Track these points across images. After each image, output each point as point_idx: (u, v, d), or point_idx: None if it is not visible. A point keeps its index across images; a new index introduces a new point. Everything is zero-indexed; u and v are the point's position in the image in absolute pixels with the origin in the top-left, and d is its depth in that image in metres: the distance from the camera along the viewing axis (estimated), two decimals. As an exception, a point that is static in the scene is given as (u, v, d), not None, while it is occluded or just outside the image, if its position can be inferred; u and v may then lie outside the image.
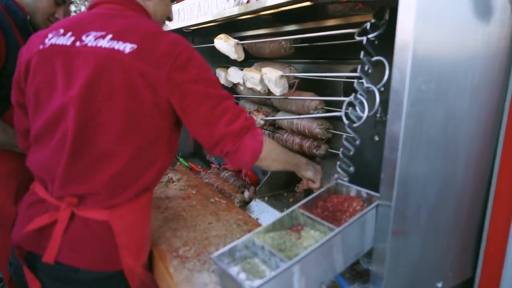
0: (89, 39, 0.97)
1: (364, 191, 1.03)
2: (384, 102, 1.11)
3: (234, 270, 0.91)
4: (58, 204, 1.01)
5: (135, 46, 0.94)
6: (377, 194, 0.97)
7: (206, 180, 1.76)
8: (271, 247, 0.93)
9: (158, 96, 0.96)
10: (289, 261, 0.82)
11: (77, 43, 0.98)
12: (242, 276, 0.89)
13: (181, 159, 2.21)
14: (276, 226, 0.99)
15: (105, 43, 0.95)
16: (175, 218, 1.32)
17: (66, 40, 1.00)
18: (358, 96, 1.08)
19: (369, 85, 1.07)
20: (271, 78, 1.67)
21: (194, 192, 1.59)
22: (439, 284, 1.11)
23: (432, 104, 0.90)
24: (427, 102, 0.88)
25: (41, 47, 1.03)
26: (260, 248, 0.92)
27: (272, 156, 1.11)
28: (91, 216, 1.00)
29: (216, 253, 0.89)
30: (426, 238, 1.01)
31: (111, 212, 1.00)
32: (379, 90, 1.06)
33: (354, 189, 1.06)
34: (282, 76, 1.65)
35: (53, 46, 1.01)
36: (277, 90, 1.67)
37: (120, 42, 0.95)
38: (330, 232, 0.93)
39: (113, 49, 0.94)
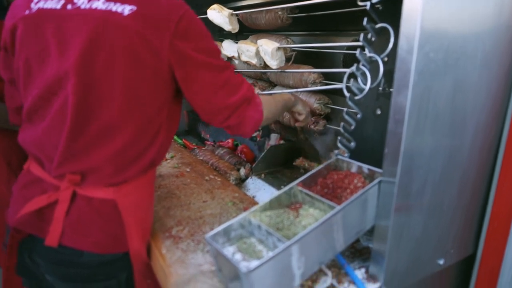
0: (82, 1, 0.88)
1: (365, 167, 0.98)
2: (388, 73, 1.05)
3: (229, 250, 0.87)
4: (57, 184, 0.94)
5: (134, 7, 0.86)
6: (380, 170, 0.93)
7: (201, 158, 1.70)
8: (268, 226, 0.88)
9: (161, 62, 0.89)
10: (287, 241, 0.78)
11: (68, 6, 0.88)
12: (237, 256, 0.85)
13: (175, 137, 2.14)
14: (273, 204, 0.94)
15: (100, 4, 0.86)
16: (169, 196, 1.27)
17: (55, 3, 0.90)
18: (360, 66, 1.02)
19: (372, 54, 1.00)
20: (267, 50, 1.59)
21: (188, 170, 1.54)
22: (441, 261, 1.08)
23: (440, 74, 0.84)
24: (435, 72, 0.82)
25: (26, 12, 0.91)
26: (256, 228, 0.88)
27: (269, 117, 1.11)
28: (95, 195, 0.93)
29: (211, 233, 0.84)
30: (429, 215, 0.97)
31: (117, 190, 0.94)
32: (382, 60, 0.99)
33: (355, 165, 1.01)
34: (278, 48, 1.57)
35: (40, 10, 0.90)
36: (273, 63, 1.59)
37: (118, 4, 0.86)
38: (330, 210, 0.89)
39: (110, 11, 0.85)
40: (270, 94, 1.51)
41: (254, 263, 0.73)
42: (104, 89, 0.88)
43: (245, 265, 0.79)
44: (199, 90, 0.96)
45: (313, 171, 1.01)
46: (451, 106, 0.89)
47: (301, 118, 1.38)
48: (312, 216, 0.91)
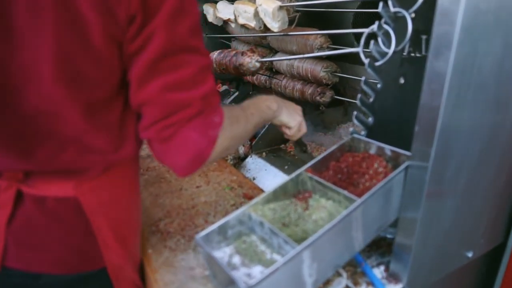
0: None
1: (388, 148, 0.82)
2: (415, 34, 0.86)
3: (225, 251, 0.72)
4: None
5: None
6: (407, 153, 0.76)
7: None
8: (272, 222, 0.73)
9: (116, 19, 0.59)
10: (296, 244, 0.63)
11: None
12: (235, 260, 0.70)
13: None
14: (277, 194, 0.79)
15: None
16: (157, 181, 1.12)
17: None
18: (383, 25, 0.83)
19: (397, 9, 0.81)
20: (267, 10, 1.39)
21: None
22: (469, 254, 0.95)
23: (489, 32, 0.66)
24: (484, 29, 0.65)
25: None
26: (258, 224, 0.73)
27: (229, 146, 0.73)
28: (49, 193, 0.69)
29: (202, 233, 0.69)
30: (462, 203, 0.83)
31: (78, 184, 0.70)
32: (410, 16, 0.80)
33: (374, 145, 0.85)
34: (280, 8, 1.37)
35: None
36: (274, 25, 1.39)
37: None
38: (346, 202, 0.73)
39: None
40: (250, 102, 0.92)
41: (256, 274, 0.58)
42: (27, 56, 0.59)
43: (244, 274, 0.64)
44: (141, 64, 0.63)
45: (324, 153, 0.85)
46: (497, 74, 0.72)
47: (289, 132, 0.99)
48: (324, 208, 0.75)
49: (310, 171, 0.81)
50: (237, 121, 0.75)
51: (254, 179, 1.24)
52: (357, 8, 1.46)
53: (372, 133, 0.91)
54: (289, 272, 0.61)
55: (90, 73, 0.62)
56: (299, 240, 0.70)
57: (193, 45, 0.65)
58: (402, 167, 0.74)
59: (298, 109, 0.99)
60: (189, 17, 0.64)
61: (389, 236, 0.95)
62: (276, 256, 0.69)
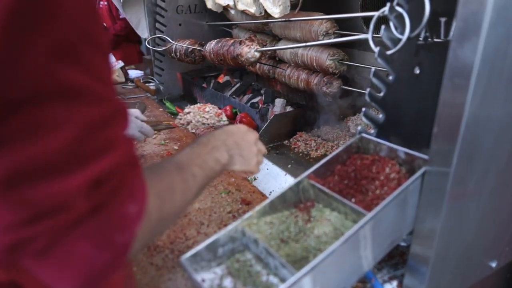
0: None
1: (401, 150, 0.71)
2: (433, 16, 0.74)
3: (216, 272, 0.63)
4: None
5: None
6: (425, 156, 0.66)
7: (193, 130, 1.45)
8: (270, 238, 0.64)
9: None
10: (294, 270, 0.54)
11: None
12: (227, 283, 0.61)
13: (167, 103, 1.88)
14: (275, 205, 0.69)
15: None
16: (148, 185, 1.03)
17: None
18: (396, 7, 0.72)
19: (413, -12, 0.69)
20: (267, -6, 1.27)
21: (176, 147, 1.29)
22: (493, 264, 0.84)
23: (527, 11, 0.54)
24: (521, 8, 0.53)
25: None
26: (252, 242, 0.64)
27: (156, 234, 0.52)
28: None
29: (187, 254, 0.61)
30: (487, 209, 0.72)
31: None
32: (428, -5, 0.69)
33: (385, 147, 0.74)
34: (282, -9, 1.25)
35: None
36: (275, 11, 1.28)
37: None
38: (353, 214, 0.64)
39: None
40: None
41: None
42: None
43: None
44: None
45: (329, 156, 0.74)
46: (533, 60, 0.60)
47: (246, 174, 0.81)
48: (328, 221, 0.66)
49: (312, 178, 0.72)
50: (172, 193, 0.51)
51: (255, 179, 1.14)
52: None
53: (383, 131, 0.80)
54: (286, 303, 0.52)
55: None
56: (298, 261, 0.61)
57: (66, 83, 0.35)
58: (419, 173, 0.64)
59: (252, 144, 0.72)
60: (46, 34, 0.34)
61: (402, 244, 0.85)
62: (272, 279, 0.60)
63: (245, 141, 0.70)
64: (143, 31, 2.16)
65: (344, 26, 1.35)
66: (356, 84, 1.41)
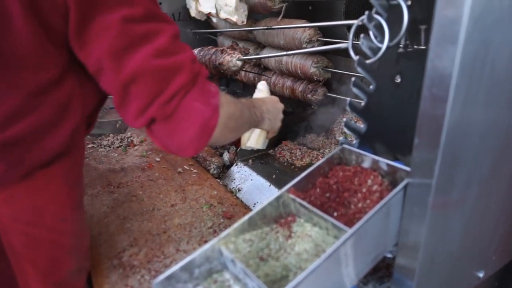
0: None
1: (383, 162, 0.70)
2: (412, 24, 0.73)
3: (192, 294, 0.60)
4: None
5: None
6: (406, 168, 0.64)
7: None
8: (248, 257, 0.62)
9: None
10: (272, 292, 0.51)
11: None
12: (203, 306, 0.58)
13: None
14: (254, 221, 0.67)
15: None
16: (127, 200, 0.99)
17: None
18: (374, 15, 0.70)
19: (391, -4, 0.68)
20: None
21: (158, 159, 1.25)
22: (481, 274, 0.83)
23: (505, 18, 0.53)
24: (499, 15, 0.52)
25: None
26: (230, 262, 0.61)
27: (230, 125, 0.69)
28: None
29: (161, 277, 0.57)
30: (472, 219, 0.71)
31: None
32: (406, 3, 0.68)
33: (367, 158, 0.72)
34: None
35: None
36: (234, 17, 1.28)
37: None
38: (334, 230, 0.61)
39: None
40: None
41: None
42: None
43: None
44: (102, 43, 0.57)
45: (309, 169, 0.72)
46: (513, 69, 0.59)
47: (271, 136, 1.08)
48: (309, 237, 0.64)
49: (293, 192, 0.69)
50: (233, 103, 0.72)
51: (239, 190, 1.12)
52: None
53: (366, 141, 0.78)
54: (263, 329, 0.49)
55: (12, 54, 0.55)
56: (278, 281, 0.58)
57: (157, 12, 0.62)
58: (401, 186, 0.62)
59: (279, 111, 0.98)
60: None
61: (388, 255, 0.83)
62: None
63: (275, 108, 0.95)
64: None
65: (328, 33, 1.34)
66: (341, 92, 1.40)
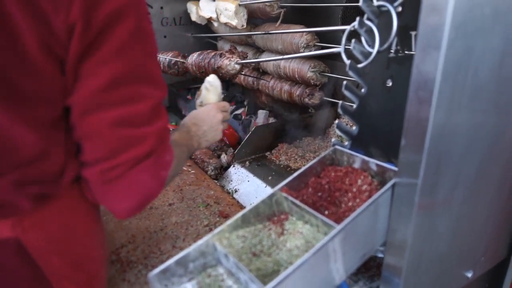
0: None
1: (373, 162, 0.72)
2: (403, 30, 0.76)
3: (187, 287, 0.63)
4: None
5: None
6: (394, 168, 0.67)
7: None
8: (241, 252, 0.64)
9: (51, 28, 0.50)
10: (262, 284, 0.53)
11: None
12: (197, 298, 0.61)
13: (151, 115, 1.87)
14: (248, 218, 0.69)
15: None
16: (126, 199, 1.02)
17: None
18: (365, 21, 0.73)
19: (381, 3, 0.71)
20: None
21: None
22: (469, 274, 0.85)
23: (486, 26, 0.56)
24: (481, 23, 0.55)
25: None
26: (223, 256, 0.64)
27: (170, 179, 0.71)
28: None
29: (156, 270, 0.60)
30: (460, 220, 0.73)
31: (17, 221, 0.59)
32: (396, 9, 0.70)
33: (358, 158, 0.75)
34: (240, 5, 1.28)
35: None
36: (234, 22, 1.31)
37: None
38: (324, 227, 0.64)
39: None
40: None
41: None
42: None
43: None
44: (83, 91, 0.55)
45: (302, 169, 0.75)
46: (497, 74, 0.62)
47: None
48: (300, 234, 0.66)
49: (285, 191, 0.72)
50: (177, 157, 0.71)
51: (236, 191, 1.14)
52: (345, 3, 1.36)
53: (358, 143, 0.81)
54: (253, 319, 0.52)
55: (29, 88, 0.53)
56: (269, 275, 0.60)
57: (150, 75, 0.60)
58: (388, 185, 0.65)
59: (218, 124, 0.94)
60: (148, 41, 0.59)
61: (380, 255, 0.85)
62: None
63: (212, 127, 0.93)
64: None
65: (325, 38, 1.37)
66: (338, 95, 1.43)
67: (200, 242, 0.63)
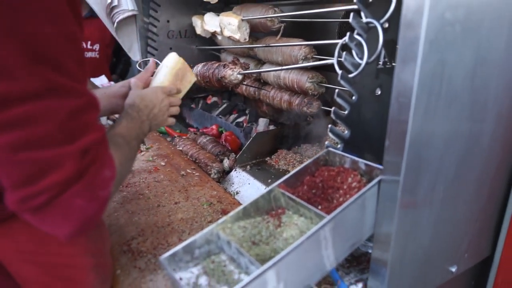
0: None
1: (362, 162, 0.80)
2: (390, 44, 0.85)
3: (192, 272, 0.70)
4: None
5: None
6: (380, 166, 0.74)
7: (180, 148, 1.52)
8: (242, 240, 0.71)
9: None
10: (260, 265, 0.60)
11: None
12: (202, 281, 0.68)
13: (157, 123, 1.95)
14: (248, 211, 0.76)
15: None
16: (135, 198, 1.10)
17: None
18: (355, 36, 0.82)
19: (369, 19, 0.79)
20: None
21: (163, 163, 1.36)
22: (453, 269, 0.91)
23: (458, 41, 0.64)
24: (452, 38, 0.63)
25: None
26: (226, 244, 0.71)
27: (123, 178, 0.70)
28: None
29: (166, 254, 0.67)
30: (441, 217, 0.80)
31: None
32: (382, 26, 0.79)
33: (349, 159, 0.82)
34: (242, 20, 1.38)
35: None
36: (237, 35, 1.41)
37: None
38: (317, 219, 0.71)
39: None
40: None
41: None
42: None
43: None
44: None
45: (298, 168, 0.82)
46: (470, 84, 0.70)
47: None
48: (295, 226, 0.73)
49: (282, 187, 0.79)
50: (126, 159, 0.67)
51: (237, 193, 1.21)
52: (341, 18, 1.45)
53: (351, 146, 0.88)
54: (252, 294, 0.59)
55: None
56: (267, 260, 0.67)
57: (55, 84, 0.49)
58: (375, 181, 0.72)
59: (166, 108, 0.92)
60: (40, 44, 0.47)
61: (370, 251, 0.92)
62: (243, 277, 0.67)
63: (161, 110, 0.90)
64: (135, 54, 2.26)
65: (322, 51, 1.45)
66: (335, 105, 1.51)
67: (205, 230, 0.71)
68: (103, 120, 1.74)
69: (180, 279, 0.67)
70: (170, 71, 0.98)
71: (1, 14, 0.43)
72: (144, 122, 0.83)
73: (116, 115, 1.28)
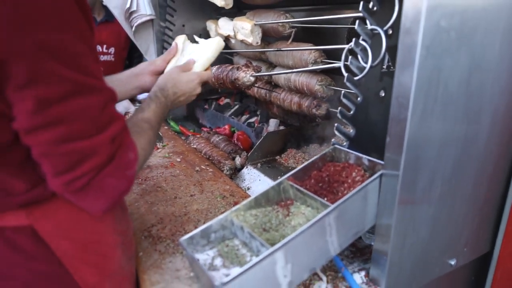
0: None
1: (365, 158, 0.86)
2: (393, 49, 0.91)
3: (208, 254, 0.77)
4: None
5: None
6: (381, 162, 0.80)
7: (194, 146, 1.60)
8: (254, 227, 0.78)
9: None
10: (270, 247, 0.67)
11: None
12: (217, 262, 0.75)
13: (171, 122, 2.04)
14: (259, 201, 0.83)
15: None
16: (154, 190, 1.18)
17: None
18: (360, 41, 0.88)
19: (374, 26, 0.86)
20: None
21: (179, 159, 1.44)
22: (452, 262, 0.96)
23: (453, 48, 0.70)
24: (448, 45, 0.69)
25: None
26: (239, 229, 0.78)
27: (145, 161, 0.77)
28: (5, 224, 0.68)
29: (186, 236, 0.74)
30: (439, 212, 0.85)
31: (30, 212, 0.68)
32: (386, 32, 0.85)
33: (353, 155, 0.89)
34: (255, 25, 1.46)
35: None
36: (249, 39, 1.49)
37: None
38: (323, 209, 0.77)
39: None
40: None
41: (227, 278, 0.63)
42: None
43: (223, 274, 0.69)
44: (21, 115, 0.57)
45: (306, 163, 0.89)
46: (465, 88, 0.76)
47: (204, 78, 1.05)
48: (303, 215, 0.80)
49: (291, 180, 0.86)
50: (148, 144, 0.76)
51: (248, 189, 1.28)
52: (350, 24, 1.51)
53: (357, 144, 0.94)
54: (263, 271, 0.65)
55: None
56: (276, 244, 0.74)
57: (83, 86, 0.58)
58: (377, 175, 0.78)
59: (194, 89, 1.01)
60: (64, 50, 0.55)
61: (373, 243, 0.98)
62: (249, 264, 0.74)
63: (187, 98, 1.00)
64: (152, 56, 2.36)
65: (331, 55, 1.52)
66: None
67: (220, 216, 0.78)
68: (125, 102, 1.80)
69: (198, 260, 0.74)
70: (211, 59, 1.01)
71: (32, 32, 0.52)
72: (168, 107, 0.92)
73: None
